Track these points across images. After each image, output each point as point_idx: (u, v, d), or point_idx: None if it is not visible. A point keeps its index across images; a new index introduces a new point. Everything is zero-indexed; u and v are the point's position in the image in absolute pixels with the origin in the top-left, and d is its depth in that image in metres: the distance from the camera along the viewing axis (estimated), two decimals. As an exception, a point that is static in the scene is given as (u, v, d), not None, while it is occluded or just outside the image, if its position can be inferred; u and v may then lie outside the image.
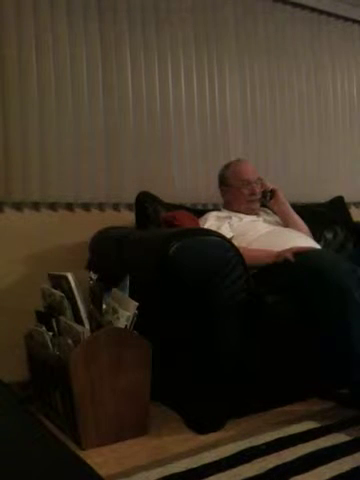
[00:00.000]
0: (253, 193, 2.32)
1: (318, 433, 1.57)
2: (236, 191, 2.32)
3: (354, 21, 3.35)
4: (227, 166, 2.38)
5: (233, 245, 1.67)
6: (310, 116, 3.15)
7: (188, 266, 1.58)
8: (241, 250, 1.71)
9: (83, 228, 2.29)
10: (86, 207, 2.39)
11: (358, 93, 3.38)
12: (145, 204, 2.26)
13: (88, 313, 1.69)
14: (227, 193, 2.36)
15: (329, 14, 3.23)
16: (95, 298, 1.73)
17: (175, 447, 1.52)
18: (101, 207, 2.43)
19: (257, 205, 2.37)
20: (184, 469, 1.38)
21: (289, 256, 1.84)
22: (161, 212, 2.24)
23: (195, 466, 1.39)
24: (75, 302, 1.68)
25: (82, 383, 1.54)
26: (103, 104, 2.40)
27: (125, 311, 1.65)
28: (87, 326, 1.66)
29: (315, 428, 1.61)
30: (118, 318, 1.66)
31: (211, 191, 2.45)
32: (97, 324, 1.67)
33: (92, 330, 1.64)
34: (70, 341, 1.60)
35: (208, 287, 1.59)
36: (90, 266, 2.06)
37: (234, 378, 1.66)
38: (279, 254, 1.91)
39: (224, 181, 2.36)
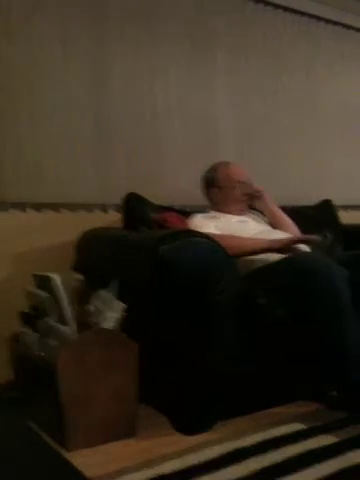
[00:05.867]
0: (245, 193, 2.34)
1: (305, 435, 1.57)
2: (228, 192, 2.32)
3: (345, 26, 3.37)
4: (215, 168, 2.38)
5: (222, 247, 1.67)
6: (300, 119, 3.16)
7: (179, 267, 1.57)
8: (233, 240, 1.69)
9: (69, 229, 2.27)
10: (73, 207, 2.37)
11: (350, 97, 3.41)
12: (133, 205, 2.25)
13: (74, 314, 1.67)
14: (217, 195, 2.36)
15: (319, 19, 3.24)
16: (81, 299, 1.72)
17: (163, 449, 1.51)
18: (88, 208, 2.41)
19: (247, 205, 2.38)
20: (171, 471, 1.37)
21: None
22: (149, 213, 2.24)
23: (182, 467, 1.39)
24: (60, 303, 1.66)
25: (69, 385, 1.53)
26: (91, 104, 2.39)
27: (112, 312, 1.64)
28: (73, 327, 1.64)
29: (303, 430, 1.61)
30: (105, 319, 1.64)
31: (200, 193, 2.44)
32: (83, 326, 1.66)
33: (78, 332, 1.62)
34: (56, 343, 1.59)
35: (199, 288, 1.58)
36: (76, 267, 2.04)
37: (224, 380, 1.65)
38: (272, 242, 1.92)
39: (214, 183, 2.36)
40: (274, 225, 2.38)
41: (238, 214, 2.32)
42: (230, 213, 2.30)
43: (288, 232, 2.31)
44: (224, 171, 2.35)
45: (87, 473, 1.37)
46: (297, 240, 1.90)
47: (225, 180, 2.33)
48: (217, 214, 2.30)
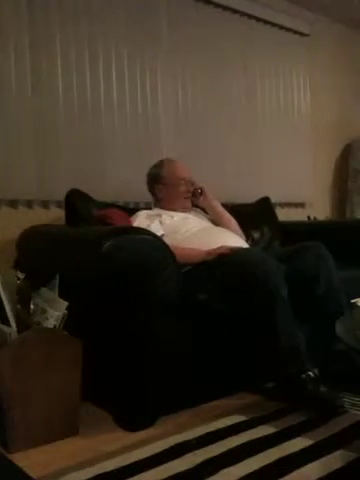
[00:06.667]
0: (189, 190, 2.38)
1: (246, 426, 1.62)
2: (172, 189, 2.35)
3: (281, 27, 3.47)
4: (160, 165, 2.40)
5: (165, 244, 1.69)
6: (240, 118, 3.23)
7: (121, 264, 1.57)
8: (171, 248, 1.73)
9: (9, 226, 2.23)
10: (13, 204, 2.32)
11: (285, 97, 3.51)
12: (75, 201, 2.22)
13: (15, 313, 1.64)
14: (162, 191, 2.38)
15: (258, 19, 3.32)
16: (22, 298, 1.68)
17: (106, 446, 1.51)
18: (29, 204, 2.37)
19: (191, 202, 2.42)
20: (115, 467, 1.38)
21: (222, 251, 1.90)
22: (92, 210, 2.22)
23: (126, 464, 1.39)
24: (0, 302, 1.62)
25: (10, 385, 1.50)
26: (32, 99, 2.34)
27: (54, 311, 1.62)
28: (14, 327, 1.61)
29: (243, 421, 1.66)
30: (47, 318, 1.63)
31: (143, 189, 2.45)
32: (25, 325, 1.63)
33: (19, 331, 1.59)
34: (-4, 342, 1.55)
35: (141, 285, 1.59)
36: (17, 265, 2.00)
37: (165, 375, 1.68)
38: (209, 253, 1.96)
39: (159, 180, 2.37)
40: (215, 222, 2.43)
41: (181, 211, 2.35)
42: (174, 210, 2.33)
43: (229, 229, 2.36)
44: (169, 168, 2.37)
45: (30, 473, 1.36)
46: (230, 251, 1.95)
47: (170, 177, 2.35)
48: (161, 211, 2.31)
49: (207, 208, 2.48)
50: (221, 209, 2.48)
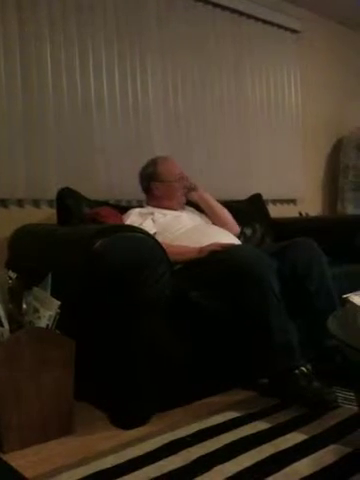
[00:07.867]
0: (185, 185, 2.40)
1: (240, 422, 1.63)
2: (170, 186, 2.36)
3: (272, 24, 3.47)
4: (154, 163, 2.39)
5: (157, 242, 1.69)
6: (230, 115, 3.23)
7: (113, 263, 1.57)
8: (164, 246, 1.73)
9: (0, 225, 2.22)
10: (4, 203, 2.31)
11: (276, 94, 3.52)
12: (67, 200, 2.22)
13: (7, 313, 1.64)
14: (159, 188, 2.37)
15: (249, 16, 3.32)
16: (15, 297, 1.68)
17: (101, 444, 1.52)
18: (20, 203, 2.36)
19: (185, 199, 2.44)
20: (110, 465, 1.38)
21: (214, 248, 1.91)
22: (84, 208, 2.22)
23: (121, 462, 1.40)
24: (-7, 302, 1.62)
25: (3, 385, 1.50)
26: (21, 96, 2.33)
27: (47, 310, 1.62)
28: (6, 327, 1.60)
29: (237, 417, 1.67)
30: (40, 318, 1.62)
31: (135, 187, 2.45)
32: (17, 324, 1.62)
33: (12, 330, 1.59)
34: (-12, 342, 1.55)
35: (133, 284, 1.59)
36: (9, 265, 1.99)
37: (158, 373, 1.68)
38: (201, 250, 1.96)
39: (156, 177, 2.37)
40: (209, 214, 2.45)
41: (175, 208, 2.36)
42: (168, 207, 2.34)
43: (225, 219, 2.40)
44: (164, 165, 2.38)
45: (24, 473, 1.36)
46: (222, 247, 1.96)
47: (166, 174, 2.36)
48: (153, 209, 2.32)
49: (200, 201, 2.49)
50: (214, 202, 2.49)
